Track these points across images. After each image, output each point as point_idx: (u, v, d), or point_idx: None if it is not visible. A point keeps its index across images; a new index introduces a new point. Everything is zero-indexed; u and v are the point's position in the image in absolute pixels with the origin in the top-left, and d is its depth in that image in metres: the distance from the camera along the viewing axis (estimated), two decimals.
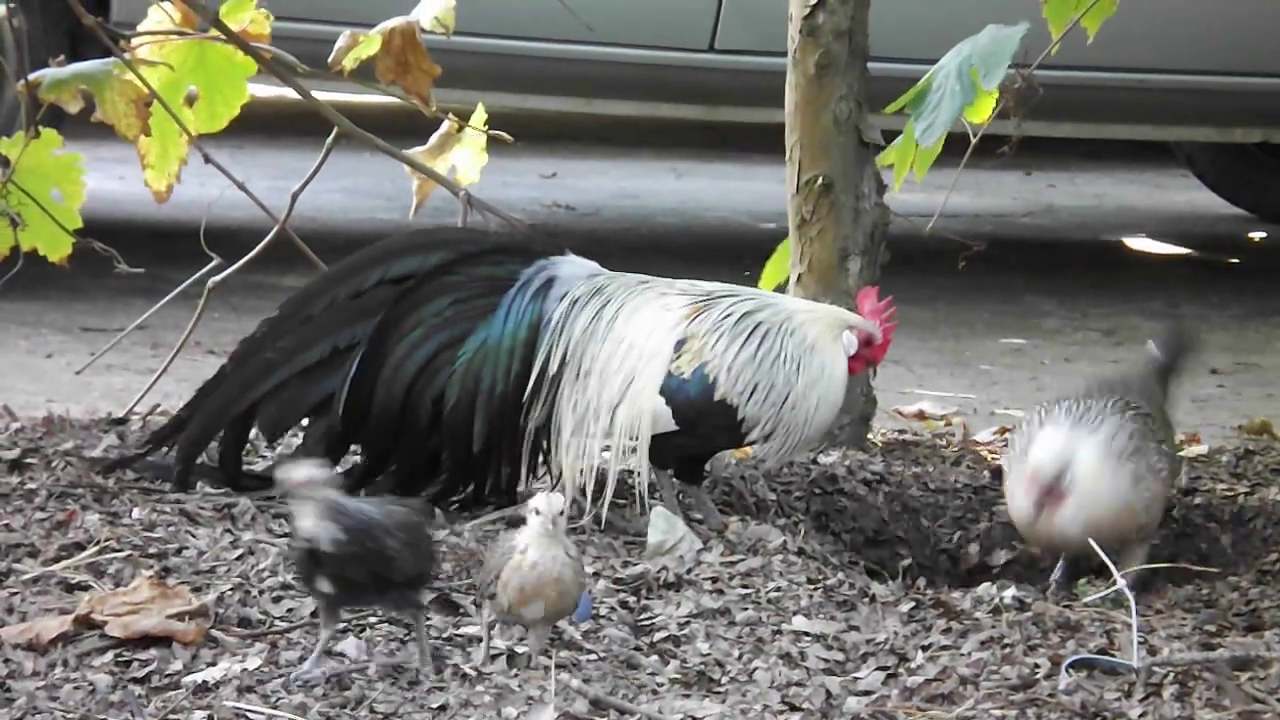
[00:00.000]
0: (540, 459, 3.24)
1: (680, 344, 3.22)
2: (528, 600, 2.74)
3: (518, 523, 3.22)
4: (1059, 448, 3.16)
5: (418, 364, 3.23)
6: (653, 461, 3.22)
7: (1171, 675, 2.73)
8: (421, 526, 2.80)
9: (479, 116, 3.67)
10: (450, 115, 3.67)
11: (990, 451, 3.80)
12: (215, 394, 3.26)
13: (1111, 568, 2.95)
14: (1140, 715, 2.63)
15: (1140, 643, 2.80)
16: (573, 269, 3.30)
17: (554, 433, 3.22)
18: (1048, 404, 3.26)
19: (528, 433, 3.23)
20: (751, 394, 3.19)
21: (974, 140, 3.21)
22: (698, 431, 3.21)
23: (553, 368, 3.23)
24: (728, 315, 3.22)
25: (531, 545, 2.76)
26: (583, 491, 3.21)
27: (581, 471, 3.21)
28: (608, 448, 3.21)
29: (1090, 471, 3.16)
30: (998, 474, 3.61)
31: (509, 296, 3.25)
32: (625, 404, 3.20)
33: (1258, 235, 6.65)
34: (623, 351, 3.22)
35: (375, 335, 3.23)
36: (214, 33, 3.48)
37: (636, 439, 3.19)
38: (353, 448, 3.29)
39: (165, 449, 3.28)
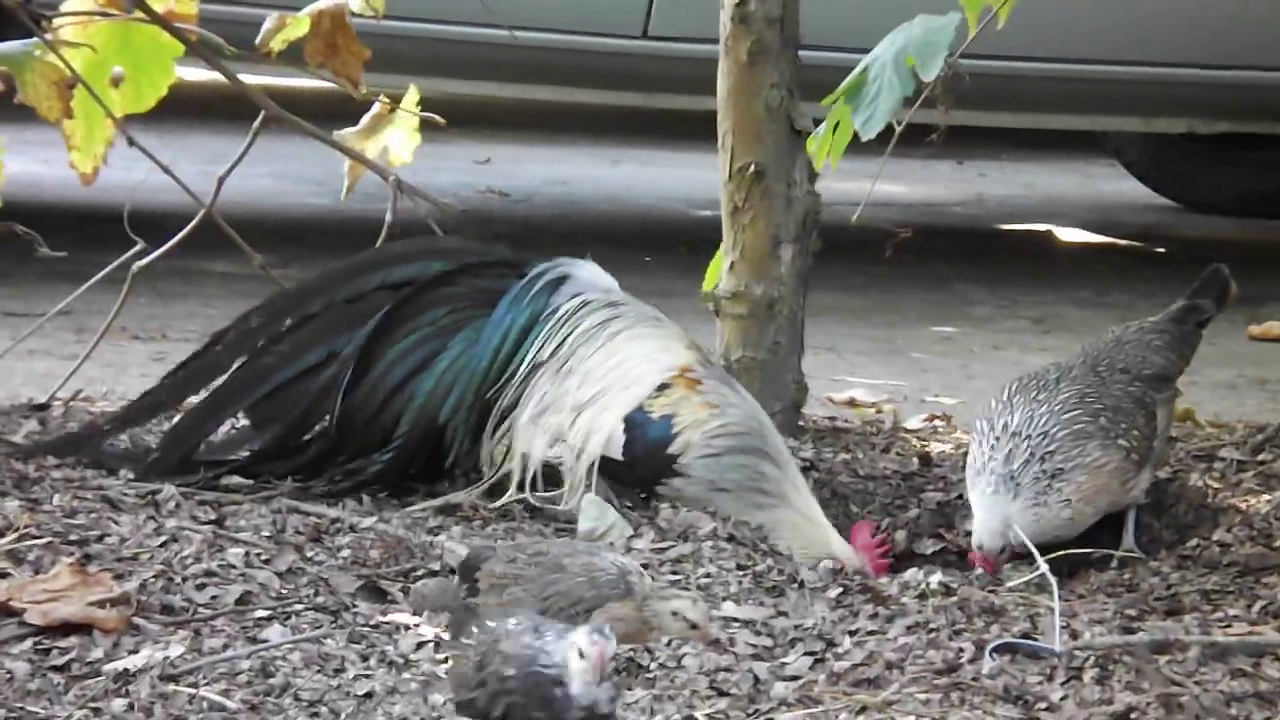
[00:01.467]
0: (491, 438, 3.23)
1: (663, 387, 3.22)
2: None
3: (449, 510, 3.22)
4: (996, 527, 3.20)
5: (408, 369, 3.23)
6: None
7: (1092, 659, 2.74)
8: None
9: (411, 98, 3.65)
10: (382, 97, 3.65)
11: (920, 439, 3.81)
12: (213, 393, 3.24)
13: (1035, 554, 2.97)
14: (1061, 698, 2.65)
15: (1062, 627, 2.81)
16: (590, 275, 3.30)
17: (515, 415, 3.21)
18: (992, 435, 3.27)
19: (495, 414, 3.22)
20: (715, 490, 3.18)
21: (898, 130, 3.21)
22: (635, 471, 3.21)
23: (544, 355, 3.22)
24: (726, 403, 3.20)
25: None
26: (522, 482, 3.21)
27: (523, 457, 3.20)
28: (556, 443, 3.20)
29: (1031, 532, 3.21)
30: (926, 461, 3.63)
31: (518, 285, 3.23)
32: (589, 412, 3.20)
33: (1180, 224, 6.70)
34: (610, 365, 3.22)
35: (369, 342, 3.23)
36: (139, 14, 3.45)
37: (581, 449, 3.19)
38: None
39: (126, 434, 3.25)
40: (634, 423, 3.20)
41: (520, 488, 3.23)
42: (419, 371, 3.23)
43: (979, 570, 3.21)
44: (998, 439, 3.25)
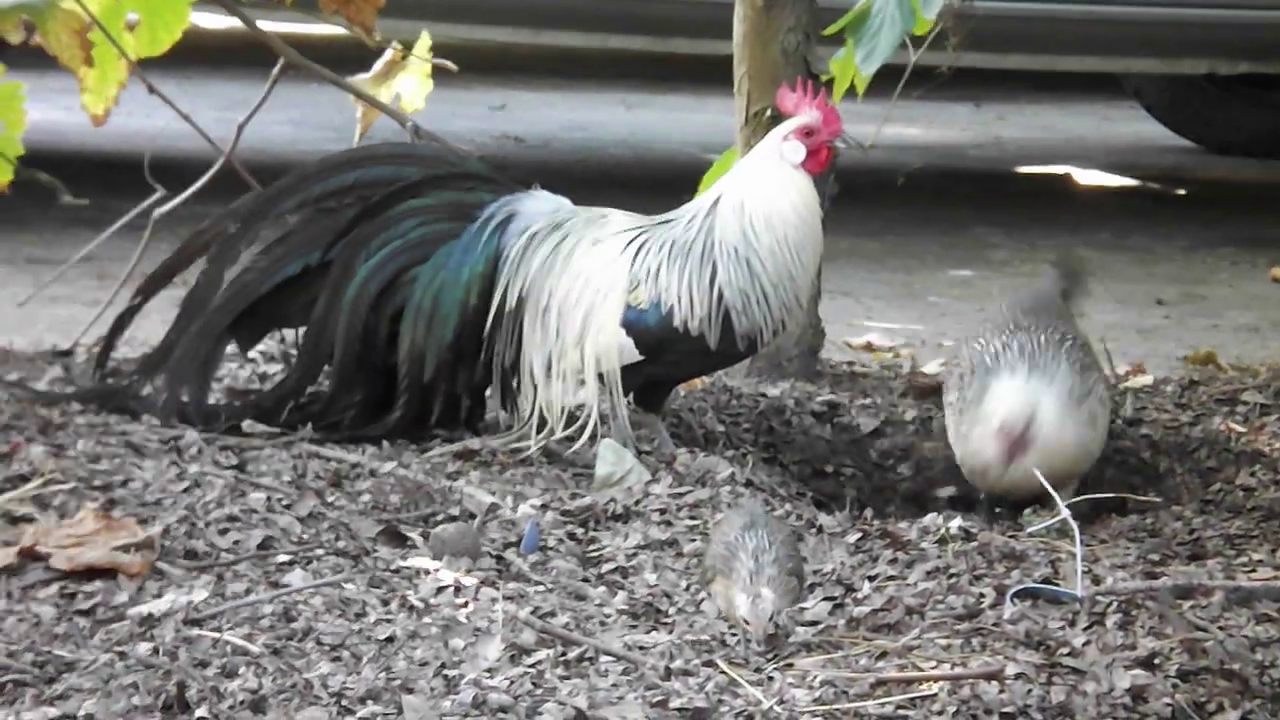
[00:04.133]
0: (509, 396, 3.24)
1: (636, 277, 3.22)
2: None
3: (467, 455, 3.23)
4: (1022, 401, 3.18)
5: (379, 285, 3.24)
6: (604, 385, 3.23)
7: (1115, 604, 2.75)
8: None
9: (424, 44, 3.65)
10: (395, 44, 3.65)
11: (939, 384, 3.82)
12: (199, 321, 3.26)
13: (1057, 499, 2.97)
14: (1084, 644, 2.65)
15: (1084, 572, 2.82)
16: (536, 204, 3.30)
17: (524, 372, 3.23)
18: (987, 339, 3.26)
19: (496, 370, 3.23)
20: (723, 315, 3.19)
21: (910, 64, 3.19)
22: (664, 359, 3.22)
23: (510, 302, 3.23)
24: (663, 244, 3.21)
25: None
26: (552, 429, 3.22)
27: (552, 410, 3.21)
28: (581, 383, 3.21)
29: (1054, 421, 3.20)
30: (922, 393, 3.61)
31: (470, 230, 3.25)
32: (589, 339, 3.21)
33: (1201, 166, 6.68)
34: (579, 286, 3.22)
35: (341, 257, 3.23)
36: None
37: (606, 372, 3.20)
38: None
39: (148, 379, 3.26)
40: (630, 322, 3.21)
41: (539, 431, 3.24)
42: (391, 292, 3.22)
43: (1004, 458, 3.15)
44: (1007, 343, 3.19)
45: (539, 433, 3.22)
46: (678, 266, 3.20)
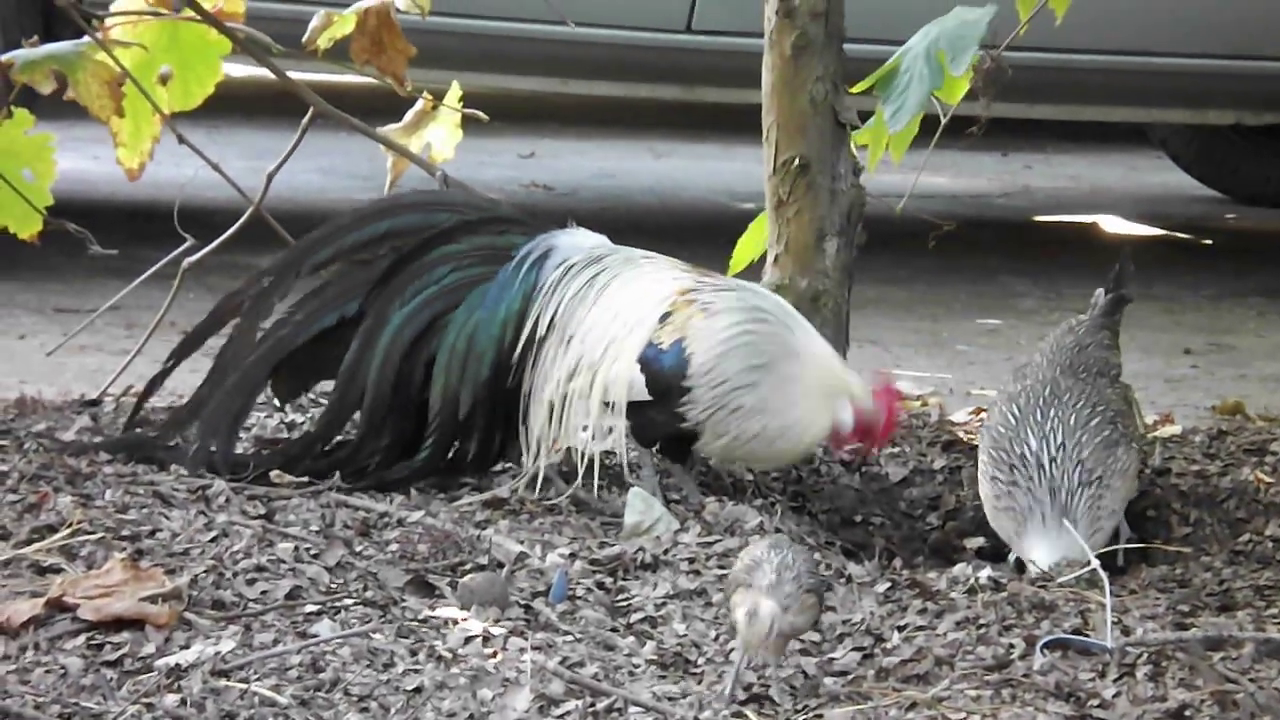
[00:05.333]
0: (521, 425, 3.23)
1: (665, 316, 3.22)
2: None
3: (496, 504, 3.23)
4: (1060, 557, 3.20)
5: (414, 331, 3.24)
6: (636, 437, 3.22)
7: (1145, 655, 2.73)
8: None
9: (454, 94, 3.67)
10: (425, 93, 3.67)
11: (966, 432, 3.81)
12: (235, 375, 3.26)
13: (1086, 550, 2.96)
14: (1114, 695, 2.64)
15: (1114, 623, 2.80)
16: (573, 240, 3.31)
17: (533, 395, 3.22)
18: (1007, 455, 3.27)
19: (519, 399, 3.22)
20: (718, 386, 3.19)
21: (944, 120, 3.21)
22: (669, 406, 3.21)
23: (541, 330, 3.23)
24: (724, 302, 3.21)
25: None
26: (560, 462, 3.21)
27: (554, 439, 3.21)
28: (586, 427, 3.20)
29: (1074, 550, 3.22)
30: (972, 454, 3.62)
31: (507, 269, 3.25)
32: (603, 366, 3.20)
33: (1230, 216, 6.67)
34: (608, 319, 3.22)
35: (375, 306, 3.24)
36: (188, 12, 3.47)
37: (611, 404, 3.19)
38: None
39: (182, 431, 3.27)
40: (648, 359, 3.20)
41: (566, 479, 3.24)
42: (428, 336, 3.23)
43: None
44: (1027, 471, 3.24)
45: (544, 458, 3.21)
46: (711, 324, 3.20)
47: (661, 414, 3.22)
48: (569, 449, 3.25)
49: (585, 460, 3.21)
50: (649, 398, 3.20)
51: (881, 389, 3.24)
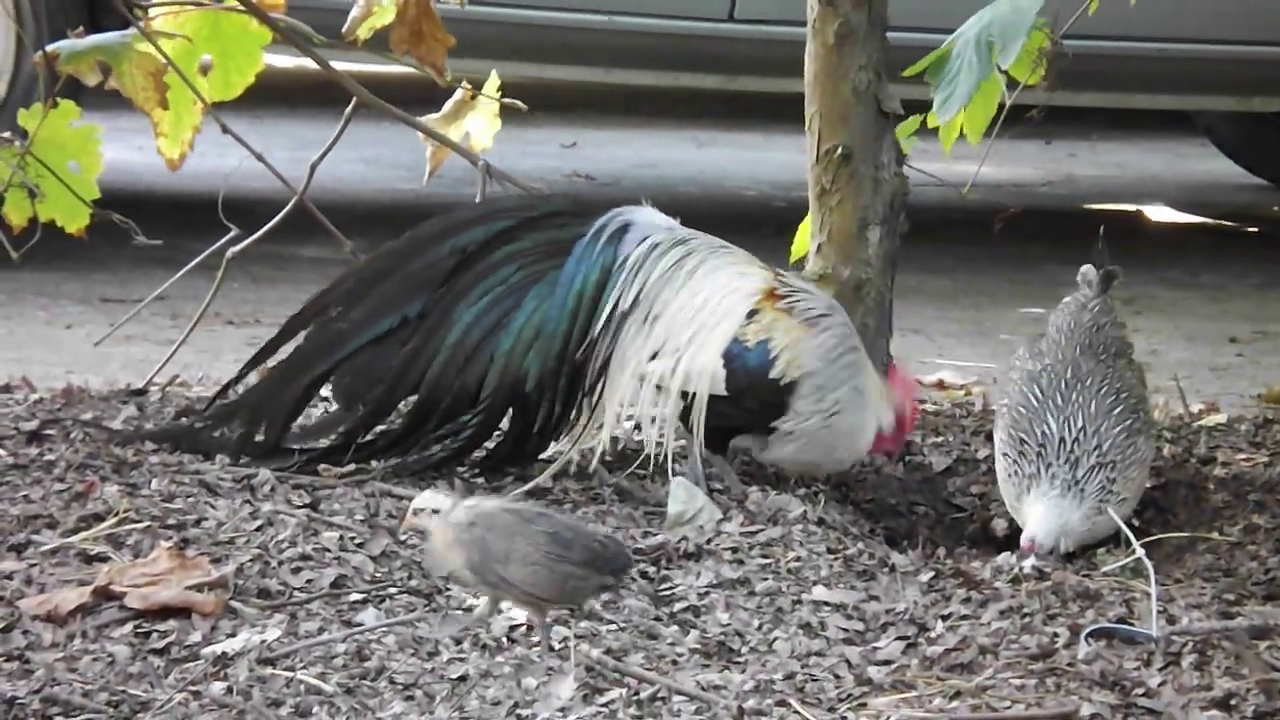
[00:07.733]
0: (585, 399, 3.22)
1: (752, 314, 3.22)
2: None
3: (539, 494, 3.23)
4: (1055, 529, 3.20)
5: (484, 330, 3.23)
6: (685, 424, 3.22)
7: (1190, 644, 2.72)
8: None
9: (492, 83, 3.67)
10: (464, 83, 3.67)
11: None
12: (288, 364, 3.26)
13: (1130, 538, 2.95)
14: (1159, 684, 2.63)
15: (1159, 612, 2.79)
16: (650, 217, 3.31)
17: (611, 371, 3.21)
18: (1022, 435, 3.26)
19: (590, 371, 3.21)
20: (822, 401, 3.20)
21: (1006, 105, 3.19)
22: (742, 403, 3.21)
23: (624, 305, 3.22)
24: (818, 310, 3.24)
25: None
26: (603, 452, 3.21)
27: (625, 415, 3.20)
28: (631, 416, 3.20)
29: (1087, 531, 3.22)
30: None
31: (582, 242, 3.24)
32: (688, 354, 3.20)
33: (1277, 205, 6.63)
34: (697, 304, 3.22)
35: (441, 304, 3.23)
36: (230, 2, 3.48)
37: (690, 394, 3.18)
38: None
39: (230, 420, 3.27)
40: (732, 355, 3.20)
41: (609, 469, 3.24)
42: (495, 331, 3.22)
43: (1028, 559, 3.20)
44: (1043, 446, 3.23)
45: (602, 434, 3.20)
46: (816, 339, 3.21)
47: (733, 409, 3.23)
48: (613, 438, 3.25)
49: (627, 449, 3.21)
50: (725, 393, 3.21)
51: (899, 382, 3.26)
